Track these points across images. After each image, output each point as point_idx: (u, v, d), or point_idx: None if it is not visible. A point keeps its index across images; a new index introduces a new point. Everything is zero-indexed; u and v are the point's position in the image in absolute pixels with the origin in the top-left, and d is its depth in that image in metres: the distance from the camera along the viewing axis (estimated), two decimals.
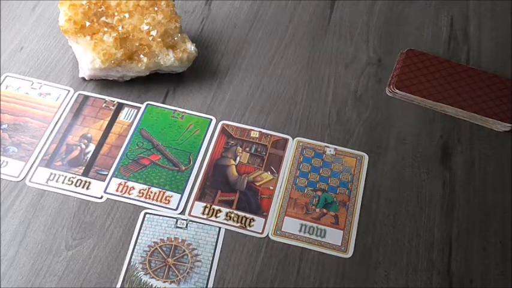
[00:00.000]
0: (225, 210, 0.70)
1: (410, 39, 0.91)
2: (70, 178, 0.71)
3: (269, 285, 0.65)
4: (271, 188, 0.72)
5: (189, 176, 0.73)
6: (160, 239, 0.67)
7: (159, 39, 0.77)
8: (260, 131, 0.78)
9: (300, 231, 0.69)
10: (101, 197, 0.70)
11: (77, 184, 0.71)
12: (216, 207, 0.70)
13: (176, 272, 0.65)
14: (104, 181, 0.71)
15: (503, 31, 0.94)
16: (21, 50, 0.84)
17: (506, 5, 0.98)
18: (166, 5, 0.79)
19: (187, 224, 0.69)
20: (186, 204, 0.70)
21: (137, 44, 0.77)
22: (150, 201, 0.70)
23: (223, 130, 0.78)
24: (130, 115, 0.78)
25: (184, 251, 0.67)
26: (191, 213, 0.69)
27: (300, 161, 0.75)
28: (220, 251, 0.67)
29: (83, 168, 0.72)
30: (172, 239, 0.67)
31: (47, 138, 0.75)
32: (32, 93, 0.79)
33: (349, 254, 0.68)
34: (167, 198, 0.70)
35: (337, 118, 0.80)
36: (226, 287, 0.64)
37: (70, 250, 0.66)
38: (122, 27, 0.77)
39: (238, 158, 0.75)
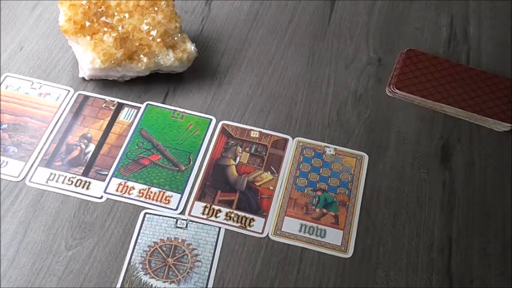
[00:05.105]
0: (225, 210, 0.70)
1: (410, 39, 0.91)
2: (70, 178, 0.71)
3: (269, 285, 0.65)
4: (271, 188, 0.72)
5: (189, 176, 0.73)
6: (160, 239, 0.67)
7: (159, 39, 0.77)
8: (260, 131, 0.78)
9: (300, 231, 0.69)
10: (101, 197, 0.70)
11: (77, 184, 0.71)
12: (216, 207, 0.70)
13: (176, 272, 0.65)
14: (104, 181, 0.71)
15: (503, 31, 0.94)
16: (21, 50, 0.84)
17: (506, 5, 0.98)
18: (166, 5, 0.79)
19: (187, 224, 0.69)
20: (186, 204, 0.70)
21: (137, 44, 0.77)
22: (150, 201, 0.70)
23: (223, 130, 0.78)
24: (130, 115, 0.78)
25: (184, 251, 0.67)
26: (191, 213, 0.69)
27: (300, 161, 0.75)
28: (220, 251, 0.67)
29: (83, 168, 0.72)
30: (172, 239, 0.67)
31: (47, 138, 0.75)
32: (32, 93, 0.79)
33: (349, 254, 0.68)
34: (167, 198, 0.70)
35: (337, 118, 0.80)
36: (226, 287, 0.64)
37: (70, 250, 0.66)
38: (122, 27, 0.77)
39: (238, 158, 0.75)
